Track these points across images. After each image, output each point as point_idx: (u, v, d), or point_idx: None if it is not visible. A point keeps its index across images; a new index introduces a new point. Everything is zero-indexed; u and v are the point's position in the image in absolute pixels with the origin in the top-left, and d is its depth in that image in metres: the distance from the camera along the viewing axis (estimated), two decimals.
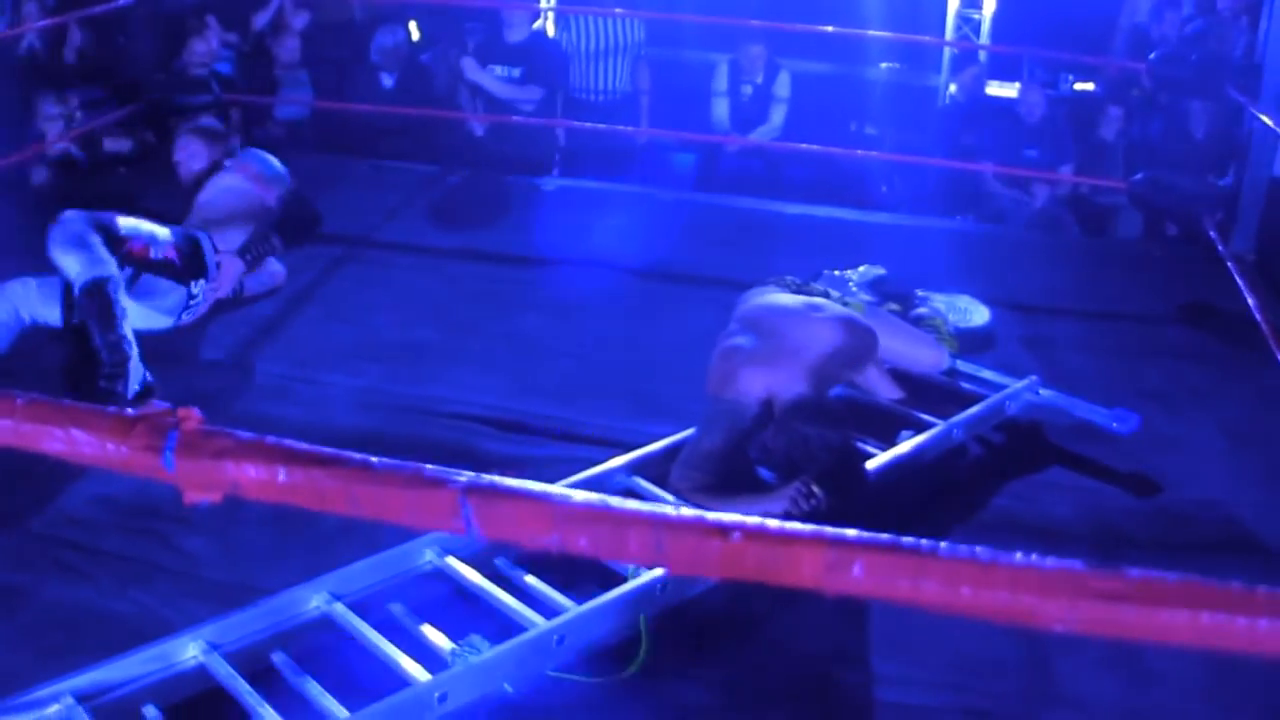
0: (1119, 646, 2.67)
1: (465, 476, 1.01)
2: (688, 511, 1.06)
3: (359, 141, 6.35)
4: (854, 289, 3.99)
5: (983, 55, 7.16)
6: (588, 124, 6.37)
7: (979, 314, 4.19)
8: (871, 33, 6.96)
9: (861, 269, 4.19)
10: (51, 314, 3.70)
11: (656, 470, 3.24)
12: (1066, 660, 2.62)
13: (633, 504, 1.10)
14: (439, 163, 6.09)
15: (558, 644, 2.62)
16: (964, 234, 5.76)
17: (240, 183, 4.38)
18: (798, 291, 3.55)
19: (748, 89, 6.78)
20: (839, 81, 7.44)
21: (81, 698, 2.31)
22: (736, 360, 3.22)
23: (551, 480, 3.00)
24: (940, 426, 3.38)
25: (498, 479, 1.03)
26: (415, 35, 7.11)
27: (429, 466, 1.03)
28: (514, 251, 5.02)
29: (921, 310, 3.90)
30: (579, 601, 2.69)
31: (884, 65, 7.57)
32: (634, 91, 6.72)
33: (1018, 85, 6.78)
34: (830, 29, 6.46)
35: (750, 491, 3.11)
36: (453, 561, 2.86)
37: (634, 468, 3.25)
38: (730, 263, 4.69)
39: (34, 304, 3.68)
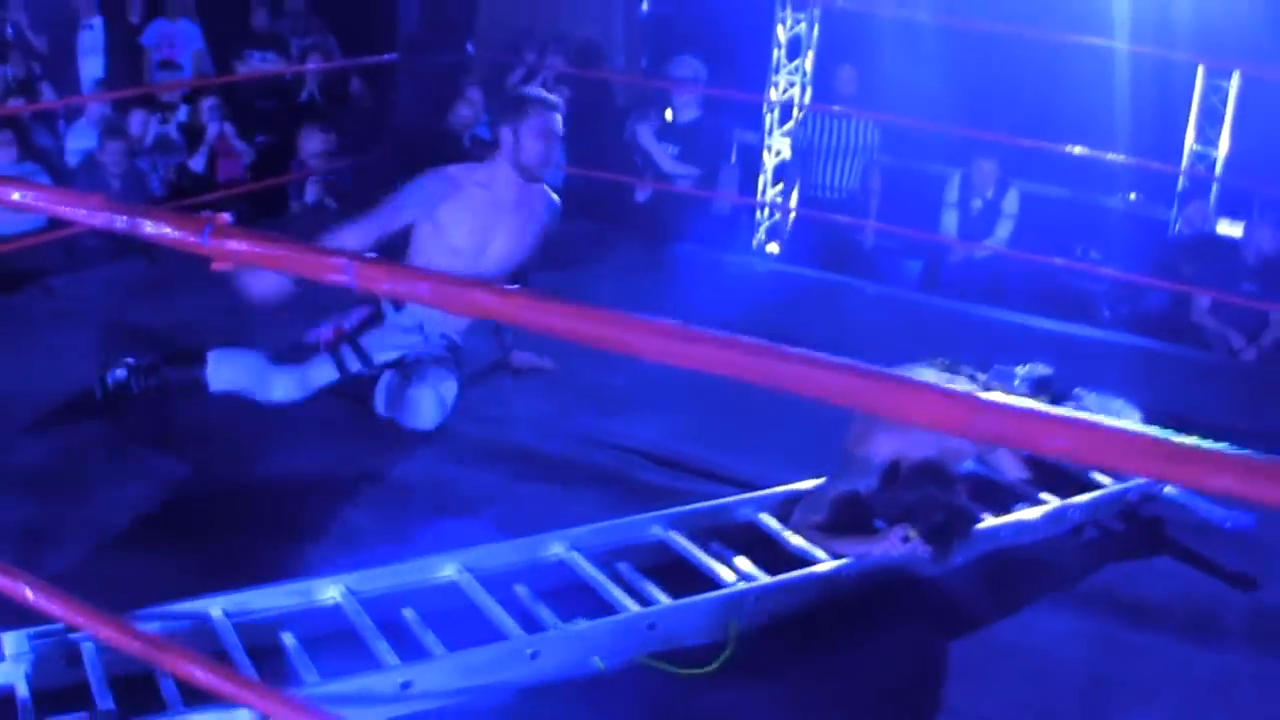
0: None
1: None
2: None
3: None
4: (1017, 382, 4.25)
5: (1213, 190, 7.18)
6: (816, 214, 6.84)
7: (1130, 416, 4.31)
8: (1107, 156, 7.09)
9: (1029, 366, 4.43)
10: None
11: (780, 510, 3.60)
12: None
13: None
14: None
15: (648, 629, 3.00)
16: (1163, 356, 5.80)
17: None
18: (945, 370, 3.84)
19: (977, 203, 7.06)
20: (1069, 205, 7.59)
21: (230, 613, 2.85)
22: (872, 423, 3.54)
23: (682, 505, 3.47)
24: (1054, 505, 3.59)
25: None
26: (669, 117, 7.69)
27: None
28: (717, 320, 5.44)
29: (1070, 405, 4.10)
30: None
31: (1119, 195, 7.66)
32: (863, 192, 7.12)
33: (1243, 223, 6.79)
34: (1069, 148, 6.68)
35: (859, 533, 3.41)
36: (577, 557, 3.29)
37: (760, 505, 3.62)
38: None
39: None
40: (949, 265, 7.09)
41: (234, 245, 1.57)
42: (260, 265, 1.64)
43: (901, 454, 3.51)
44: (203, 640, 2.76)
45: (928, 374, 3.77)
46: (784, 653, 3.07)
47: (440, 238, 4.15)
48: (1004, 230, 7.01)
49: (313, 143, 7.18)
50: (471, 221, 4.16)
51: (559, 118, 4.18)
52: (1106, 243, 7.41)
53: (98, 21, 8.15)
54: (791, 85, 7.70)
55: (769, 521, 3.57)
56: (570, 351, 4.20)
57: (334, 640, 2.89)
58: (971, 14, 7.13)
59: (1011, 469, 3.82)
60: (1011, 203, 7.02)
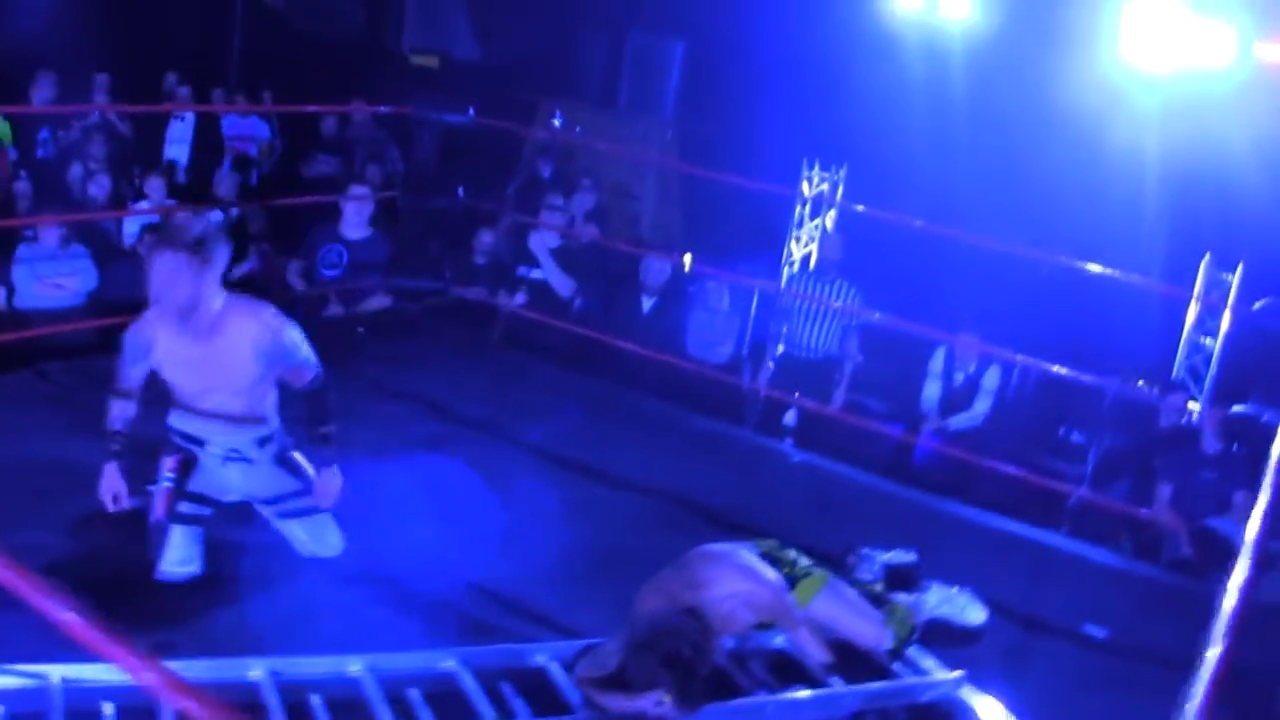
0: None
1: None
2: None
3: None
4: (876, 567, 4.47)
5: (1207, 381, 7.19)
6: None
7: (974, 613, 4.41)
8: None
9: (894, 552, 4.63)
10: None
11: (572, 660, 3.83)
12: None
13: None
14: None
15: None
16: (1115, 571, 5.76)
17: None
18: (767, 552, 4.02)
19: (960, 375, 7.17)
20: (1058, 384, 7.62)
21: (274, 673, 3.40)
22: (646, 587, 3.77)
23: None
24: (834, 690, 3.73)
25: None
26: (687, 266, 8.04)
27: None
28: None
29: (902, 595, 4.25)
30: None
31: (1117, 377, 7.66)
32: (841, 356, 7.31)
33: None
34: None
35: (624, 690, 3.62)
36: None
37: (555, 653, 3.86)
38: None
39: None
40: (925, 435, 7.19)
41: None
42: None
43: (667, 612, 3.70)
44: None
45: (745, 554, 3.95)
46: None
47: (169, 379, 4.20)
48: (982, 405, 7.11)
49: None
50: (175, 360, 4.12)
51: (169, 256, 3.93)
52: (1092, 426, 7.42)
53: (190, 116, 8.99)
54: (811, 240, 8.01)
55: (556, 670, 3.80)
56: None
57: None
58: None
59: (814, 650, 3.96)
60: (992, 379, 7.12)
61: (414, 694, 3.64)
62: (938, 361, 7.27)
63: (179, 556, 4.17)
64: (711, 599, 3.69)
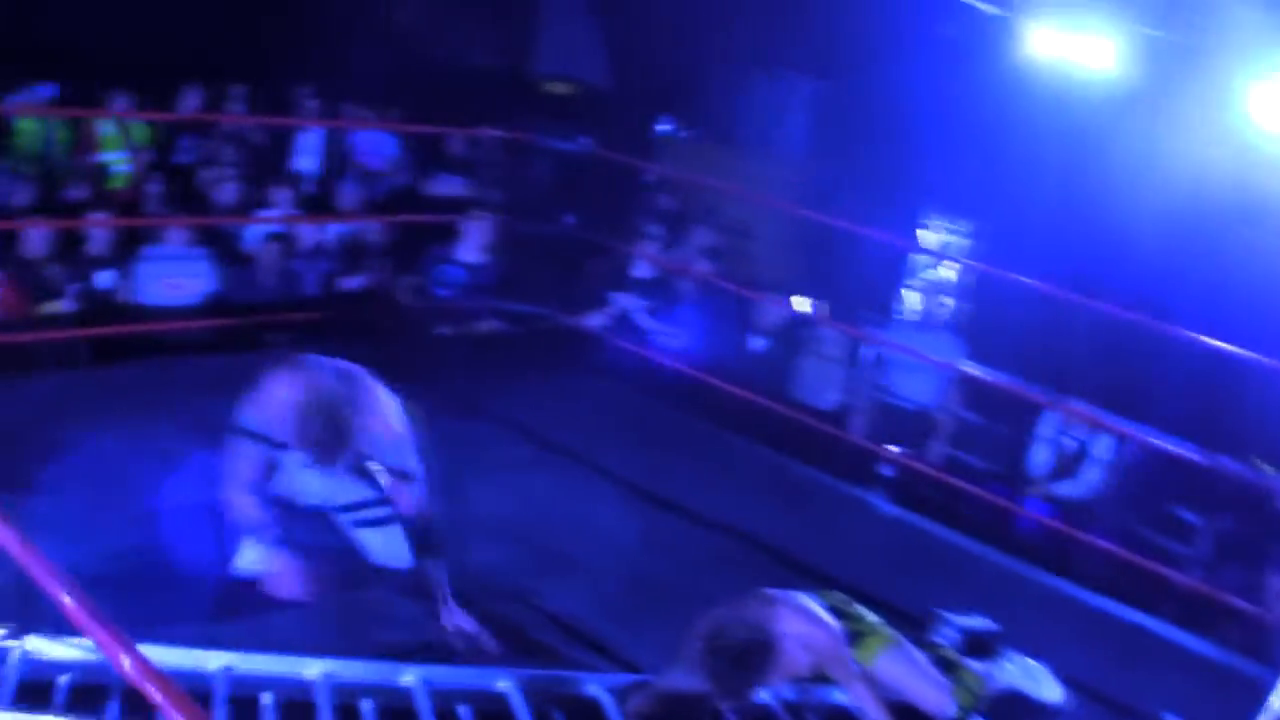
0: None
1: None
2: None
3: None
4: (948, 630, 4.32)
5: None
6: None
7: (1050, 689, 4.22)
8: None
9: (975, 618, 4.47)
10: None
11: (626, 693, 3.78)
12: None
13: None
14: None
15: None
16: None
17: None
18: (834, 606, 3.90)
19: (1069, 441, 6.93)
20: (1174, 459, 7.28)
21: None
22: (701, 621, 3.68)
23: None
24: None
25: None
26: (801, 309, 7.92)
27: None
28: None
29: (976, 663, 4.09)
30: None
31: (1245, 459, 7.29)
32: (940, 409, 7.12)
33: None
34: None
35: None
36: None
37: (608, 683, 3.82)
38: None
39: None
40: (1028, 500, 6.95)
41: None
42: None
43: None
44: None
45: (805, 599, 3.84)
46: None
47: None
48: (1091, 475, 6.84)
49: None
50: None
51: None
52: (1207, 506, 7.07)
53: (319, 129, 9.21)
54: (925, 291, 7.85)
55: (608, 702, 3.75)
56: None
57: None
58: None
59: (871, 709, 3.83)
60: (1103, 448, 6.84)
61: (465, 710, 3.64)
62: (1048, 426, 7.03)
63: (252, 557, 4.22)
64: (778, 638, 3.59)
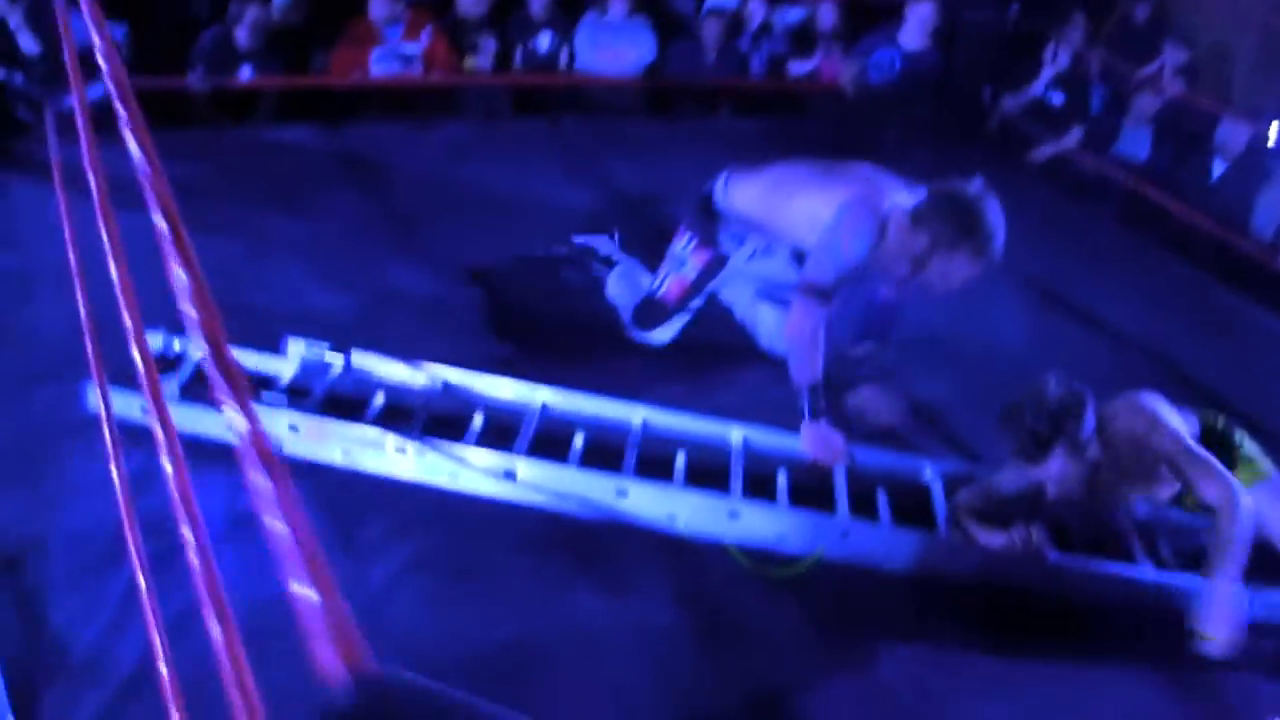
0: None
1: None
2: None
3: None
4: None
5: None
6: None
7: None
8: None
9: None
10: None
11: (957, 482, 3.70)
12: None
13: None
14: None
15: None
16: None
17: None
18: (1209, 426, 3.50)
19: None
20: None
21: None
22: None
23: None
24: None
25: None
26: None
27: None
28: None
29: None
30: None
31: None
32: None
33: None
34: None
35: (997, 525, 3.40)
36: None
37: (941, 470, 3.79)
38: None
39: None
40: None
41: None
42: None
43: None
44: None
45: (1167, 408, 3.46)
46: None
47: None
48: None
49: None
50: None
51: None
52: None
53: None
54: None
55: (938, 489, 3.69)
56: None
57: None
58: None
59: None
60: None
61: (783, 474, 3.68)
62: None
63: (667, 335, 4.40)
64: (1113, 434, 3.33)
